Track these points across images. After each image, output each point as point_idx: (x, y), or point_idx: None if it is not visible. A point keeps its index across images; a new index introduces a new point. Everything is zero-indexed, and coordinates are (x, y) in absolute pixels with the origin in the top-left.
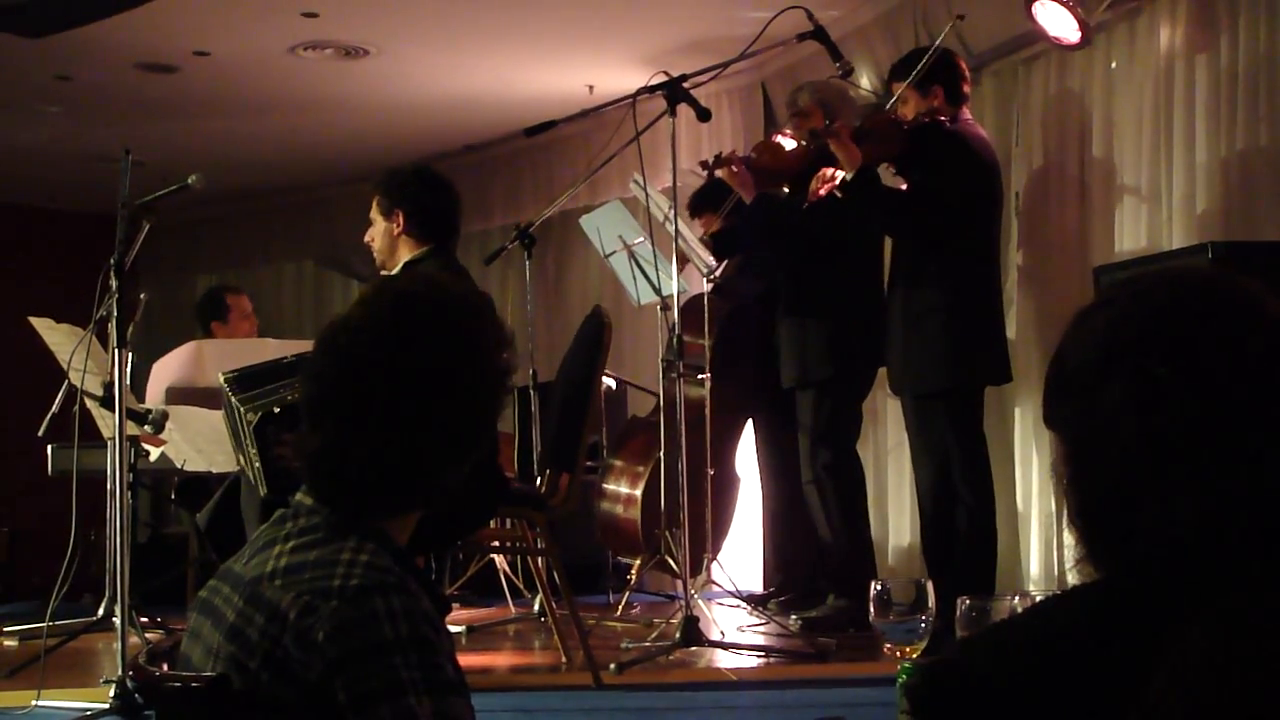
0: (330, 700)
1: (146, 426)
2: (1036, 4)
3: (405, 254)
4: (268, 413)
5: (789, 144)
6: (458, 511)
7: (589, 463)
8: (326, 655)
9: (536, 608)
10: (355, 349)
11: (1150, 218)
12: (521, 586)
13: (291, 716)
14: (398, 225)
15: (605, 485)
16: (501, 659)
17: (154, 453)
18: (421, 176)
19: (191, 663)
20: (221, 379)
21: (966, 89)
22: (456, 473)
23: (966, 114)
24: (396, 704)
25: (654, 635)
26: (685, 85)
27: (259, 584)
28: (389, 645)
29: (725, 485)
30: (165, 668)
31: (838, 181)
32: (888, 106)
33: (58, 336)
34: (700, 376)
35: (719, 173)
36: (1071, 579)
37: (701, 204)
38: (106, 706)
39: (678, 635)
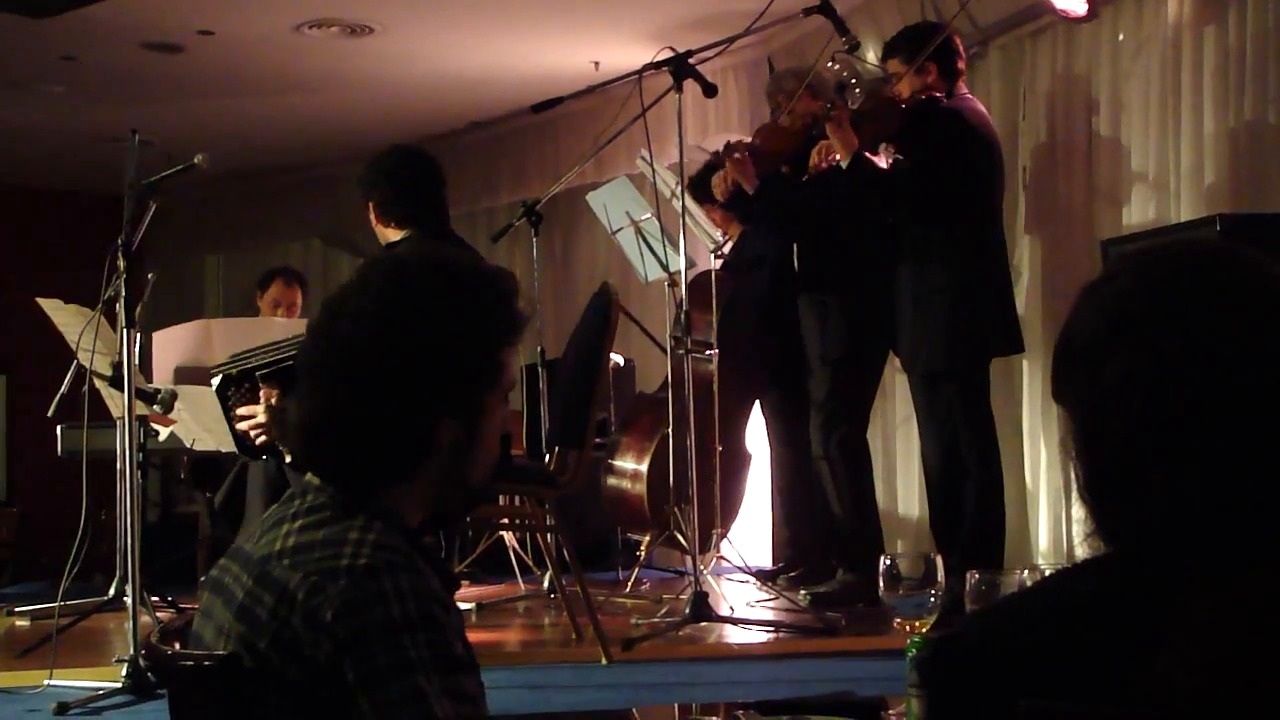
0: (339, 680)
1: (155, 406)
2: None
3: (391, 240)
4: (226, 375)
5: (785, 124)
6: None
7: (598, 440)
8: (335, 635)
9: (546, 584)
10: (348, 317)
11: (1158, 191)
12: (531, 563)
13: (302, 695)
14: (373, 216)
15: (612, 461)
16: (512, 635)
17: (163, 432)
18: (381, 162)
19: (204, 642)
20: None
21: (961, 65)
22: (455, 437)
23: (963, 89)
24: (405, 683)
25: (664, 611)
26: (691, 61)
27: (268, 563)
28: (397, 625)
29: (735, 462)
30: (177, 646)
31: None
32: (887, 83)
33: (66, 317)
34: (708, 352)
35: (728, 163)
36: (1080, 553)
37: (700, 195)
38: (119, 685)
39: (687, 611)
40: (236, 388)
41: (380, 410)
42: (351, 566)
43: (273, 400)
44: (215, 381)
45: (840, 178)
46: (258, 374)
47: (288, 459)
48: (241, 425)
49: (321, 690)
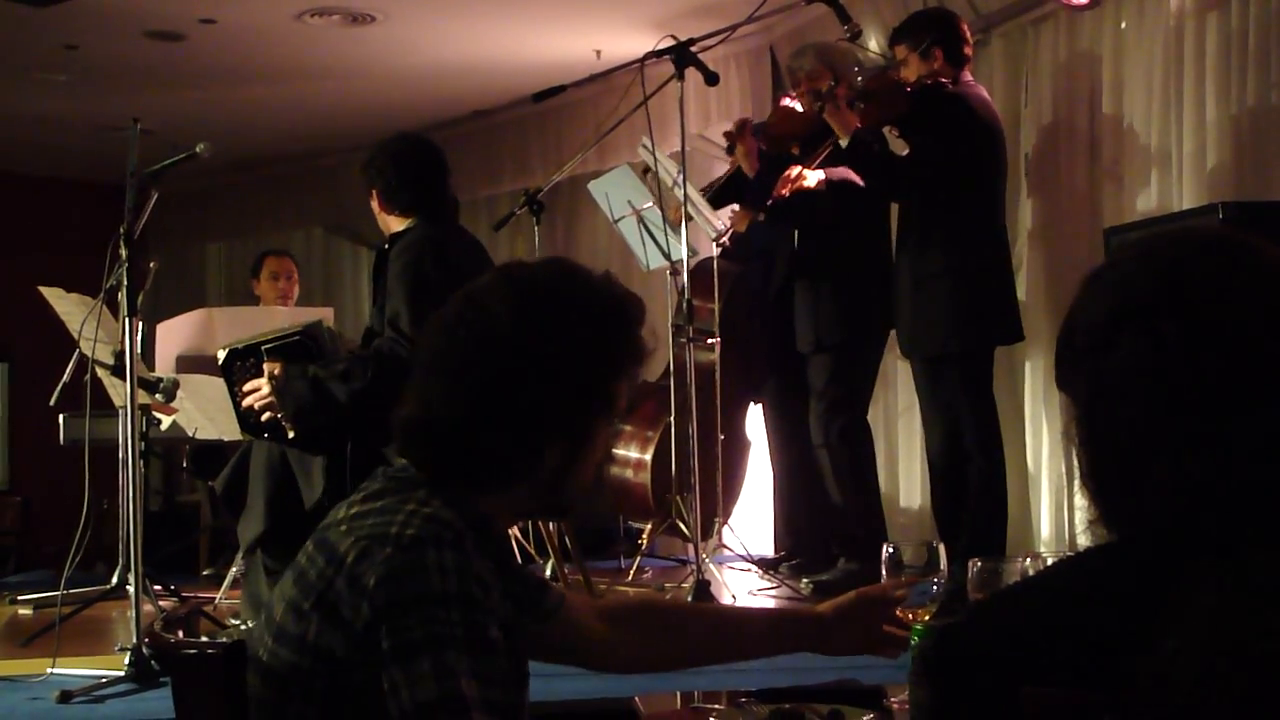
0: (374, 649)
1: (158, 395)
2: None
3: (395, 229)
4: (233, 350)
5: (798, 108)
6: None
7: None
8: (374, 601)
9: (549, 572)
10: (475, 326)
11: (1160, 178)
12: (533, 551)
13: (305, 684)
14: (377, 204)
15: (615, 450)
16: None
17: (165, 421)
18: (387, 149)
19: (273, 616)
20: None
21: (968, 51)
22: (558, 460)
23: (968, 76)
24: (436, 657)
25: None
26: (693, 49)
27: (327, 530)
28: (435, 598)
29: (736, 449)
30: (180, 634)
31: (806, 181)
32: (891, 69)
33: (68, 306)
34: (710, 341)
35: (739, 148)
36: (1083, 541)
37: (722, 198)
38: (122, 674)
39: (689, 599)
40: (242, 362)
41: (493, 429)
42: (400, 534)
43: (275, 372)
44: (222, 355)
45: (797, 209)
46: (263, 348)
47: (290, 435)
48: (246, 401)
49: (355, 658)
